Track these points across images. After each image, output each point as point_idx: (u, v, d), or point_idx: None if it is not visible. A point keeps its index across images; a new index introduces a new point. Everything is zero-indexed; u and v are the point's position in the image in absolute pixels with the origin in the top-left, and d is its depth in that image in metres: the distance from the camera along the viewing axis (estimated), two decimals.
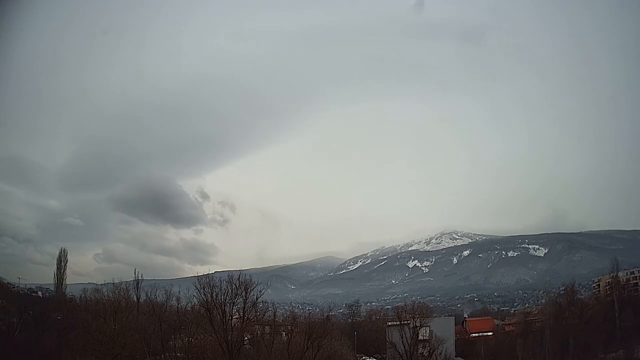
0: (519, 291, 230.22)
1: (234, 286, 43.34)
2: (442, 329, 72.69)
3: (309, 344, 45.24)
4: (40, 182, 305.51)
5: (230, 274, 44.88)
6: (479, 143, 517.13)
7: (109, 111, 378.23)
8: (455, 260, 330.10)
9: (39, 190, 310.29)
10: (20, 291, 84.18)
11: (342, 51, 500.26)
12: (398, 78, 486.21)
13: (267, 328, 52.52)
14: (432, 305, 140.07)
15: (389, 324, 75.95)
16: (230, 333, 41.87)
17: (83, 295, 72.98)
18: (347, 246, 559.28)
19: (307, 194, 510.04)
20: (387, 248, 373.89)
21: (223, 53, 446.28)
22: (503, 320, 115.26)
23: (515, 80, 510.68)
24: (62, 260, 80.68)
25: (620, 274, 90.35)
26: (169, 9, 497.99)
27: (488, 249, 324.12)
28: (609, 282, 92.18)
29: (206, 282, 43.74)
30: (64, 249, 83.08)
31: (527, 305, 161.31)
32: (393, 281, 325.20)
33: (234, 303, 43.67)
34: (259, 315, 49.05)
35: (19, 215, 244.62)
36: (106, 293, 55.80)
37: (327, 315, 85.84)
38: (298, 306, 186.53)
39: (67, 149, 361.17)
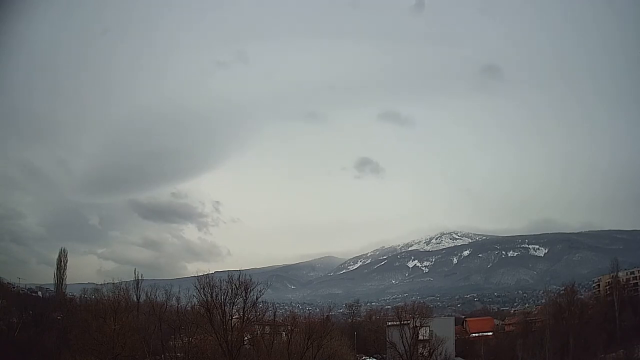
0: (519, 291, 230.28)
1: (234, 286, 43.39)
2: (442, 329, 72.55)
3: (309, 344, 45.29)
4: (40, 183, 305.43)
5: (230, 274, 44.91)
6: (478, 144, 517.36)
7: (111, 116, 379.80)
8: (455, 260, 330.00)
9: (39, 190, 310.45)
10: (20, 291, 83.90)
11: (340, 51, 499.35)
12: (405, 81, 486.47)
13: (267, 328, 52.58)
14: (432, 305, 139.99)
15: (389, 324, 75.88)
16: (230, 333, 41.87)
17: (83, 295, 72.97)
18: (347, 246, 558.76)
19: (307, 194, 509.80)
20: (387, 248, 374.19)
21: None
22: (503, 320, 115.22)
23: (517, 81, 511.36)
24: (62, 261, 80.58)
25: (620, 274, 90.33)
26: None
27: (488, 249, 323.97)
28: (609, 282, 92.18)
29: (206, 282, 43.87)
30: (64, 249, 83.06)
31: (527, 305, 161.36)
32: (393, 281, 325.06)
33: (234, 303, 43.75)
34: (259, 315, 49.07)
35: (20, 215, 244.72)
36: (106, 293, 55.71)
37: (327, 315, 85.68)
38: (298, 306, 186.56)
39: (68, 150, 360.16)
